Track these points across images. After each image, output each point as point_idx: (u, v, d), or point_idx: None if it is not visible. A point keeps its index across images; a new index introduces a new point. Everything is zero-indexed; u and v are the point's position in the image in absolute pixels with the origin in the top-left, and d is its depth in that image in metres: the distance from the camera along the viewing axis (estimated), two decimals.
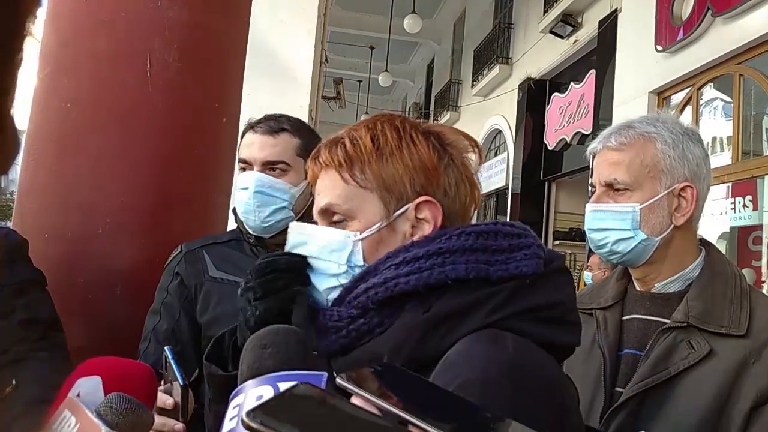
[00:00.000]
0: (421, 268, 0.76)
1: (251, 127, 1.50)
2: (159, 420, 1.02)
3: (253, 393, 0.62)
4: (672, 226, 1.20)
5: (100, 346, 1.61)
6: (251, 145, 1.45)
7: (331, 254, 0.81)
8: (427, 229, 0.81)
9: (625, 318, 1.25)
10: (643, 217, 1.19)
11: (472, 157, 0.87)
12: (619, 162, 1.21)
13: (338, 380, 0.49)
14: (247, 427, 0.39)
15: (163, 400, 1.01)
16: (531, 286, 0.77)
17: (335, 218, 0.83)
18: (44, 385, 1.17)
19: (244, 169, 1.47)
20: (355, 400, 0.47)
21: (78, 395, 0.86)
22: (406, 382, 0.53)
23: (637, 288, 1.27)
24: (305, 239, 0.84)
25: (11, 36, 0.31)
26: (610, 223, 1.21)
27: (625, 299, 1.28)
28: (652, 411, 1.11)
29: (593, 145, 1.29)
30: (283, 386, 0.60)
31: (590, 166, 1.38)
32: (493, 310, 0.74)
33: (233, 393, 0.64)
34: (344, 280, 0.81)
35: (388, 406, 0.45)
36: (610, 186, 1.22)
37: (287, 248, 0.86)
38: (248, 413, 0.40)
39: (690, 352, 1.11)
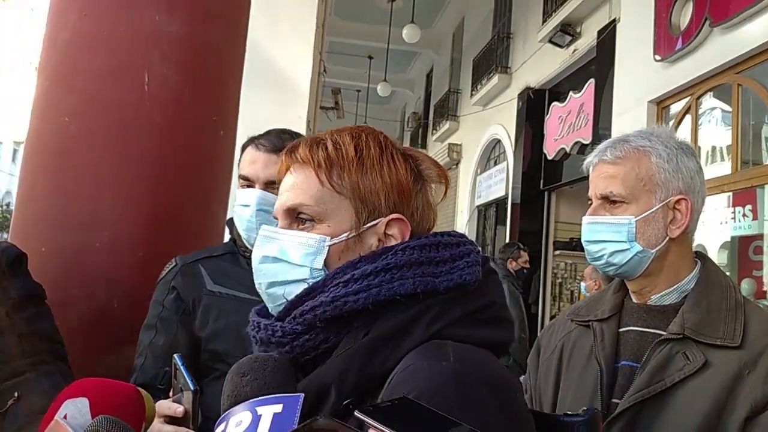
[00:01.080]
0: (370, 285, 0.76)
1: (253, 142, 1.49)
2: (170, 428, 1.02)
3: (233, 420, 0.63)
4: (667, 238, 1.21)
5: (98, 358, 1.61)
6: (254, 163, 1.45)
7: (303, 258, 0.80)
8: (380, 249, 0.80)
9: (621, 330, 1.26)
10: (638, 230, 1.20)
11: (440, 189, 0.88)
12: (615, 175, 1.23)
13: (356, 413, 0.51)
14: None
15: (174, 408, 1.01)
16: (463, 293, 0.78)
17: (301, 217, 0.82)
18: (46, 398, 1.17)
19: (245, 186, 1.46)
20: None
21: (65, 417, 0.86)
22: (421, 416, 0.54)
23: (634, 300, 1.28)
24: (275, 238, 0.83)
25: None
26: (607, 235, 1.22)
27: (622, 311, 1.29)
28: (649, 422, 1.12)
29: (589, 159, 1.31)
30: (261, 410, 0.62)
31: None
32: (431, 323, 0.75)
33: (218, 421, 0.65)
34: (304, 286, 0.80)
35: None
36: (606, 199, 1.24)
37: (254, 249, 0.85)
38: None
39: (686, 363, 1.12)
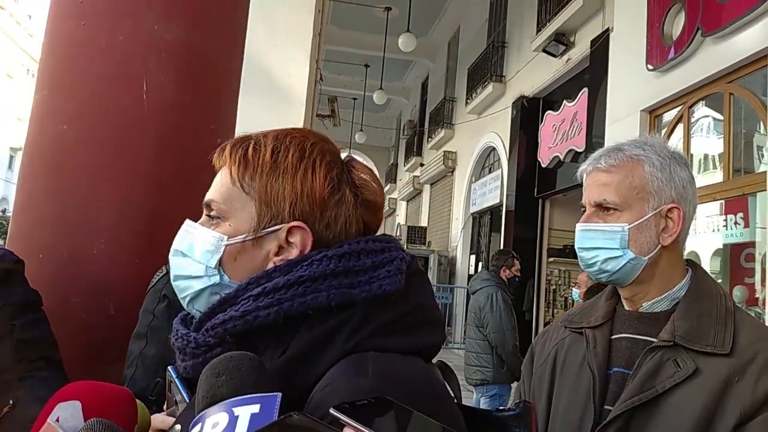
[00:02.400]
0: (281, 299, 0.73)
1: None
2: None
3: (210, 421, 0.61)
4: (659, 246, 1.23)
5: (93, 365, 1.61)
6: None
7: (201, 255, 0.81)
8: (293, 254, 0.79)
9: (613, 337, 1.27)
10: (631, 237, 1.22)
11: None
12: (609, 183, 1.24)
13: (331, 411, 0.50)
14: None
15: (168, 422, 0.98)
16: (384, 301, 0.76)
17: (212, 213, 0.82)
18: (41, 405, 1.17)
19: None
20: (347, 431, 0.48)
21: (57, 420, 0.85)
22: (397, 415, 0.54)
23: (626, 307, 1.29)
24: (189, 232, 0.84)
25: None
26: (600, 242, 1.24)
27: (615, 318, 1.29)
28: (640, 429, 1.12)
29: (583, 167, 1.32)
30: (238, 410, 0.60)
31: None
32: (350, 336, 0.73)
33: (192, 423, 0.64)
34: (201, 285, 0.80)
35: None
36: (599, 206, 1.25)
37: (173, 243, 0.85)
38: None
39: (676, 370, 1.12)
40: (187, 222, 0.86)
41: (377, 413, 0.52)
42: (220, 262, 0.80)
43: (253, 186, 0.80)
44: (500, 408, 0.83)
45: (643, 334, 1.23)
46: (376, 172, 0.91)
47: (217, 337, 0.76)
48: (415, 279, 0.81)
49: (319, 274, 0.75)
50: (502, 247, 9.13)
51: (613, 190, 1.23)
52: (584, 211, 1.30)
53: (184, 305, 0.85)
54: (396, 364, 0.72)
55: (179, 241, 0.84)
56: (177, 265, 0.84)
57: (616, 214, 1.23)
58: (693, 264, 1.30)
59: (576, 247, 1.28)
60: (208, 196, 0.83)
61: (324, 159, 0.82)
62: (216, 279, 0.81)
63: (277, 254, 0.79)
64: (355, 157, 0.91)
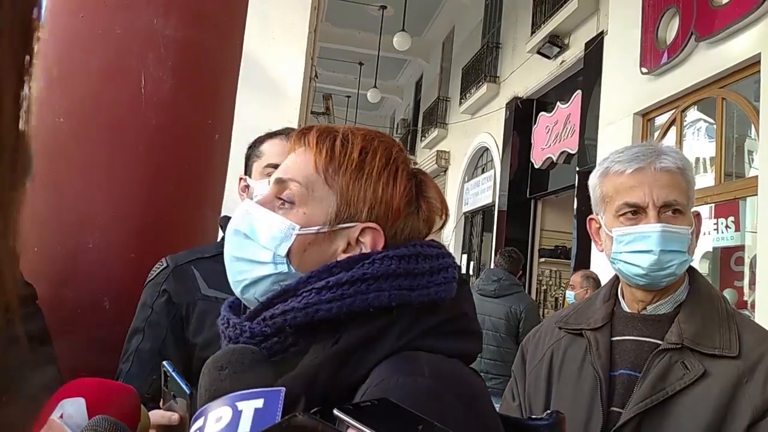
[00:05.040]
0: (344, 294, 0.74)
1: (280, 134, 1.50)
2: None
3: (212, 415, 0.61)
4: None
5: (88, 360, 1.60)
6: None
7: (269, 241, 0.79)
8: (357, 255, 0.79)
9: (615, 339, 1.27)
10: (690, 241, 1.23)
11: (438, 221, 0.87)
12: (676, 184, 1.22)
13: (335, 412, 0.50)
14: None
15: (168, 416, 0.98)
16: (436, 306, 0.77)
17: (285, 194, 0.81)
18: (34, 401, 1.16)
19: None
20: None
21: (61, 417, 0.84)
22: (401, 417, 0.54)
23: (627, 309, 1.29)
24: (252, 213, 0.82)
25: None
26: (676, 245, 1.21)
27: (613, 320, 1.30)
28: (652, 430, 1.14)
29: (625, 166, 1.25)
30: (241, 405, 0.60)
31: (598, 185, 1.32)
32: (401, 335, 0.73)
33: (194, 417, 0.64)
34: (265, 272, 0.79)
35: None
36: (666, 207, 1.21)
37: (232, 219, 0.84)
38: None
39: (685, 372, 1.14)
40: (249, 202, 0.84)
41: (381, 415, 0.52)
42: (288, 252, 0.79)
43: (336, 180, 0.79)
44: (533, 417, 0.85)
45: (647, 336, 1.24)
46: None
47: (275, 327, 0.75)
48: (461, 288, 0.82)
49: (381, 273, 0.75)
50: (508, 248, 9.02)
51: (682, 191, 1.22)
52: (632, 211, 1.23)
53: (236, 290, 0.83)
54: (447, 365, 0.73)
55: (240, 222, 0.82)
56: (237, 245, 0.82)
57: (680, 217, 1.22)
58: (690, 267, 1.31)
59: (655, 248, 1.20)
60: (287, 173, 0.81)
61: (406, 169, 0.82)
62: (284, 268, 0.79)
63: (345, 251, 0.79)
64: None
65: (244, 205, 0.84)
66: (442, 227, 0.89)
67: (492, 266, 5.76)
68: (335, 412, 0.50)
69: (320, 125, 0.85)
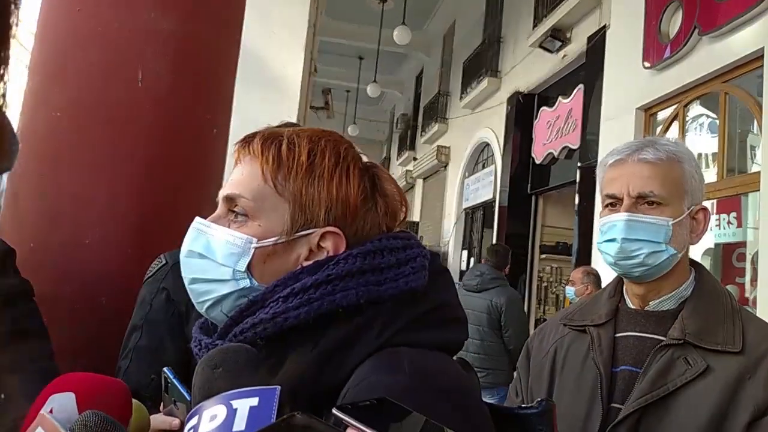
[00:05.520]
0: (311, 299, 0.73)
1: None
2: None
3: (207, 414, 0.60)
4: (687, 244, 1.24)
5: (85, 356, 1.59)
6: None
7: (227, 258, 0.77)
8: (324, 258, 0.78)
9: (618, 335, 1.27)
10: (674, 233, 1.21)
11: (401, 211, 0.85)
12: (655, 176, 1.22)
13: (334, 411, 0.49)
14: None
15: (168, 422, 0.98)
16: (412, 298, 0.76)
17: (236, 209, 0.78)
18: (33, 398, 1.15)
19: None
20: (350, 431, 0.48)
21: (51, 411, 0.83)
22: (399, 416, 0.53)
23: (631, 305, 1.29)
24: (205, 232, 0.79)
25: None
26: (645, 235, 1.21)
27: (618, 316, 1.30)
28: (652, 426, 1.13)
29: (612, 158, 1.28)
30: (236, 403, 0.60)
31: (597, 178, 1.35)
32: (381, 331, 0.72)
33: (188, 415, 0.63)
34: (227, 289, 0.77)
35: None
36: (641, 198, 1.23)
37: (185, 240, 0.82)
38: None
39: (687, 368, 1.13)
40: (199, 220, 0.82)
41: (380, 414, 0.52)
42: (248, 265, 0.77)
43: (288, 187, 0.77)
44: (522, 406, 0.83)
45: (650, 332, 1.23)
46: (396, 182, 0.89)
47: (247, 341, 0.73)
48: (440, 278, 0.81)
49: (346, 272, 0.74)
50: (494, 243, 9.05)
51: (659, 182, 1.21)
52: (611, 203, 1.26)
53: (201, 310, 0.82)
54: (428, 360, 0.72)
55: (192, 241, 0.80)
56: (194, 267, 0.80)
57: (659, 208, 1.22)
58: (696, 263, 1.31)
59: (618, 236, 1.23)
60: (234, 190, 0.79)
61: (358, 165, 0.81)
62: (246, 283, 0.78)
63: (307, 258, 0.78)
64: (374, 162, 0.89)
65: (195, 224, 0.82)
66: (404, 219, 0.87)
67: (483, 262, 5.76)
68: (334, 411, 0.50)
69: (264, 130, 0.83)
